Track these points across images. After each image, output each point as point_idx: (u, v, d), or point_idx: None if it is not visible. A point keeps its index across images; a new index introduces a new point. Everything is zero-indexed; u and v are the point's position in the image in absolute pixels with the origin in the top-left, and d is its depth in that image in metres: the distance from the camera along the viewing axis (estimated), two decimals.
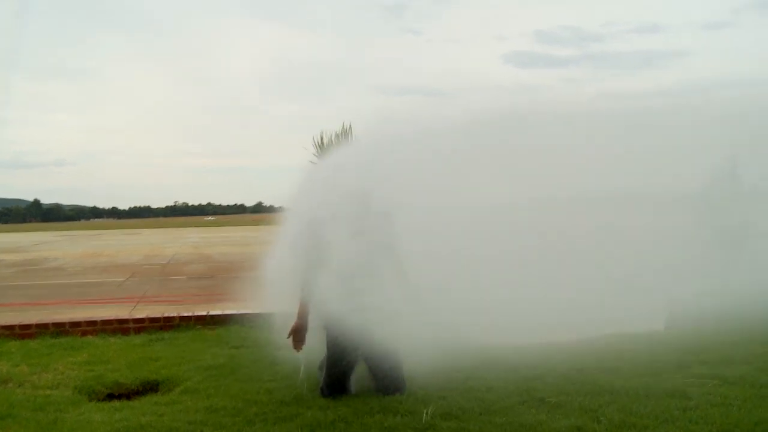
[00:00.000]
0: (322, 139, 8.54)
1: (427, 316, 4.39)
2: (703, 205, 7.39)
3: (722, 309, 6.41)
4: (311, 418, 3.70)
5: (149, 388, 4.66)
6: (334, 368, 4.18)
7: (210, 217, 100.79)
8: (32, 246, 30.15)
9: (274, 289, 4.56)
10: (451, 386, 4.20)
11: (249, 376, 4.65)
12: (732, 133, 6.57)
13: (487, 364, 4.64)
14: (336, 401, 3.99)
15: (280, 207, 4.98)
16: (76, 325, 6.53)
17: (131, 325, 6.56)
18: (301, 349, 4.16)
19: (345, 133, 8.17)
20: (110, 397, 4.53)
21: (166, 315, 6.74)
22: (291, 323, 4.16)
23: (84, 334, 6.41)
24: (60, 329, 6.46)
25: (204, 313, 6.77)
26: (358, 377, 4.26)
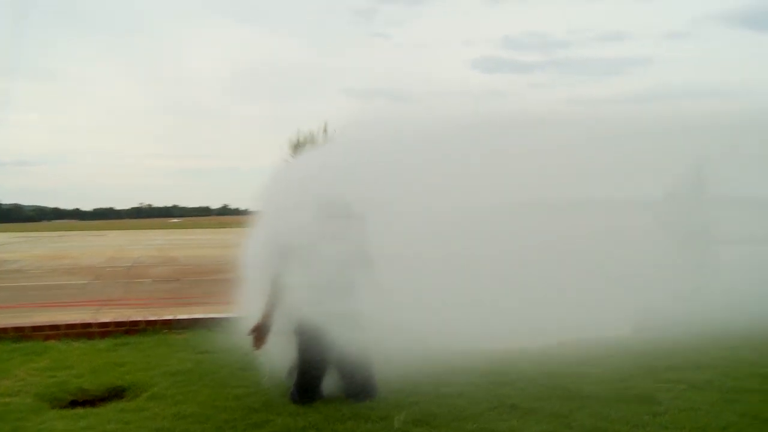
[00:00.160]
0: (297, 140, 8.49)
1: (397, 321, 4.38)
2: (668, 212, 7.52)
3: (687, 314, 6.52)
4: (282, 424, 3.66)
5: (114, 394, 4.53)
6: (305, 374, 4.14)
7: (175, 219, 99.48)
8: None
9: (244, 292, 4.51)
10: (422, 392, 4.18)
11: (217, 382, 4.57)
12: (696, 140, 6.71)
13: (457, 369, 4.64)
14: (306, 407, 3.94)
15: (247, 209, 4.93)
16: (38, 329, 6.36)
17: (95, 329, 6.41)
18: (261, 348, 4.12)
19: (319, 135, 8.14)
20: (73, 404, 4.40)
21: (131, 319, 6.61)
22: (255, 324, 4.12)
23: (46, 338, 6.24)
24: (20, 334, 6.28)
25: (171, 317, 6.66)
26: (328, 383, 4.22)
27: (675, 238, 7.30)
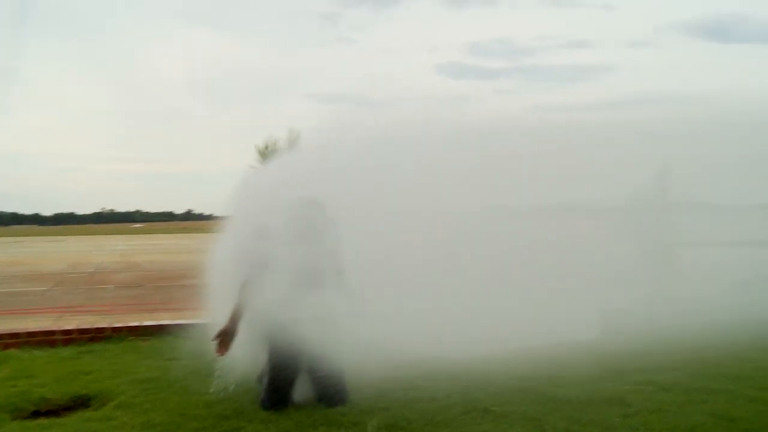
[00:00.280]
0: (264, 145, 8.42)
1: (369, 327, 4.37)
2: (632, 217, 7.66)
3: (652, 317, 6.64)
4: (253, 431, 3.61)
5: (80, 403, 4.42)
6: (275, 379, 4.09)
7: (138, 225, 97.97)
8: None
9: (211, 297, 4.45)
10: (394, 397, 4.17)
11: (186, 389, 4.48)
12: (659, 147, 6.84)
13: (428, 374, 4.63)
14: (278, 414, 3.90)
15: (212, 214, 4.88)
16: None
17: (58, 336, 6.26)
18: (225, 354, 4.05)
19: (289, 141, 8.09)
20: (36, 414, 4.27)
21: (96, 326, 6.48)
22: (220, 329, 4.05)
23: (6, 347, 6.06)
24: None
25: (137, 324, 6.54)
26: (299, 388, 4.18)
27: (639, 244, 7.44)
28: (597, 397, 4.01)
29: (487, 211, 5.65)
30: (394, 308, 4.52)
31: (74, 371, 5.12)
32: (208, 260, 4.52)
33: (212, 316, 4.50)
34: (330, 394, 4.08)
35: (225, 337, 4.03)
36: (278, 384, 4.09)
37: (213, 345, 4.05)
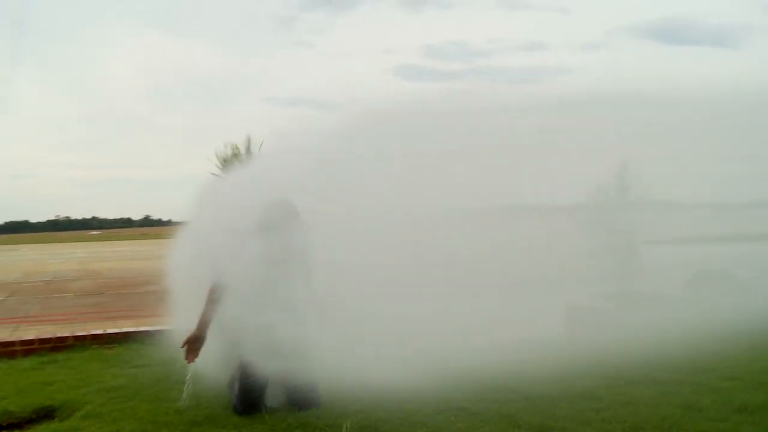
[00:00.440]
0: (225, 151, 8.32)
1: (337, 330, 4.36)
2: (594, 215, 7.79)
3: (616, 313, 6.77)
4: None
5: (44, 415, 4.27)
6: (247, 384, 4.04)
7: (95, 232, 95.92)
8: None
9: (176, 304, 4.37)
10: (368, 399, 4.13)
11: (155, 397, 4.39)
12: (617, 146, 6.98)
13: (399, 374, 4.62)
14: (251, 419, 3.84)
15: (171, 220, 4.80)
16: None
17: (18, 347, 6.07)
18: (194, 361, 3.98)
19: (248, 145, 8.01)
20: None
21: (58, 335, 6.30)
22: (189, 334, 3.98)
23: None
24: None
25: (100, 332, 6.39)
26: (271, 393, 4.14)
27: (601, 241, 7.57)
28: (568, 393, 4.06)
29: (449, 211, 5.68)
30: (361, 310, 4.51)
31: (36, 382, 4.97)
32: (171, 265, 4.43)
33: (178, 322, 4.42)
34: (303, 398, 4.04)
35: (193, 344, 3.96)
36: (250, 389, 4.03)
37: (181, 351, 3.98)
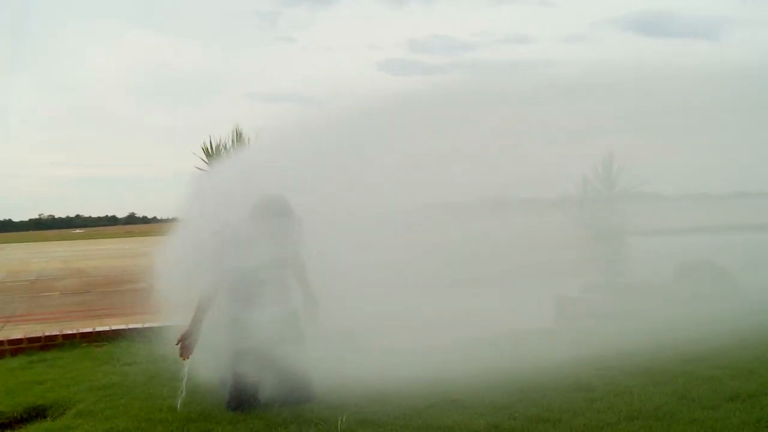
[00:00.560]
0: (211, 145, 8.24)
1: (330, 325, 4.36)
2: (581, 207, 7.86)
3: (605, 303, 6.82)
4: None
5: (35, 414, 4.23)
6: (240, 381, 4.02)
7: (79, 230, 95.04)
8: None
9: (166, 301, 4.34)
10: (362, 393, 4.13)
11: (148, 394, 4.37)
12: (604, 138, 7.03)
13: (392, 368, 4.62)
14: (246, 414, 3.83)
15: (158, 217, 4.76)
16: None
17: (6, 346, 6.01)
18: (188, 358, 3.96)
19: (236, 139, 7.95)
20: None
21: (47, 334, 6.23)
22: (182, 332, 3.96)
23: None
24: None
25: (90, 330, 6.33)
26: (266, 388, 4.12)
27: (588, 233, 7.64)
28: (562, 384, 4.07)
29: (438, 205, 5.69)
30: (352, 304, 4.52)
31: (26, 381, 4.93)
32: (161, 262, 4.39)
33: (168, 319, 4.40)
34: (298, 394, 4.03)
35: (187, 341, 3.94)
36: (243, 385, 4.02)
37: (175, 349, 3.95)
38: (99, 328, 6.41)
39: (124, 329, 6.38)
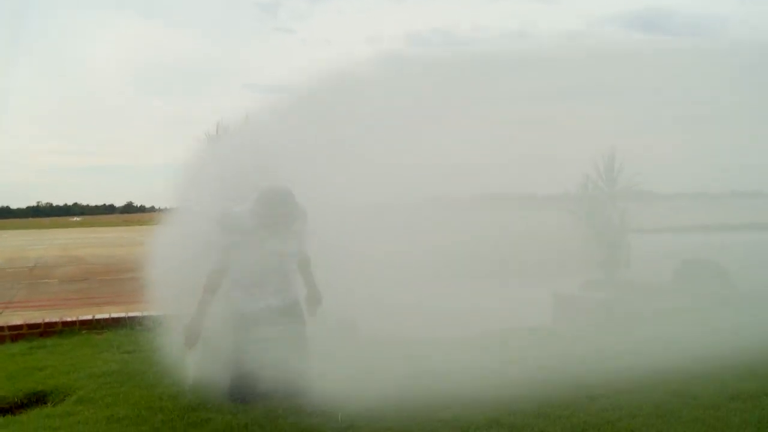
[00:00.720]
0: (209, 135, 8.19)
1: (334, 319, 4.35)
2: (582, 204, 7.83)
3: (604, 302, 6.81)
4: (222, 422, 3.55)
5: (35, 400, 4.24)
6: (242, 370, 4.02)
7: (77, 218, 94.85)
8: None
9: (166, 289, 4.33)
10: (362, 385, 4.13)
11: (148, 382, 4.36)
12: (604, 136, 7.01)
13: (388, 362, 4.61)
14: (246, 404, 3.82)
15: (156, 206, 4.72)
16: None
17: (6, 332, 6.01)
18: (192, 346, 3.95)
19: (227, 130, 7.88)
20: None
21: (47, 320, 6.22)
22: (187, 322, 3.95)
23: None
24: None
25: (89, 317, 6.33)
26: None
27: (589, 231, 7.61)
28: (561, 381, 4.06)
29: (440, 200, 5.68)
30: (353, 297, 4.51)
31: (27, 367, 4.93)
32: (160, 251, 4.37)
33: (168, 308, 4.38)
34: (297, 384, 4.02)
35: (191, 330, 3.93)
36: (244, 375, 4.01)
37: (180, 338, 3.95)
38: (98, 316, 6.41)
39: (123, 317, 6.38)
